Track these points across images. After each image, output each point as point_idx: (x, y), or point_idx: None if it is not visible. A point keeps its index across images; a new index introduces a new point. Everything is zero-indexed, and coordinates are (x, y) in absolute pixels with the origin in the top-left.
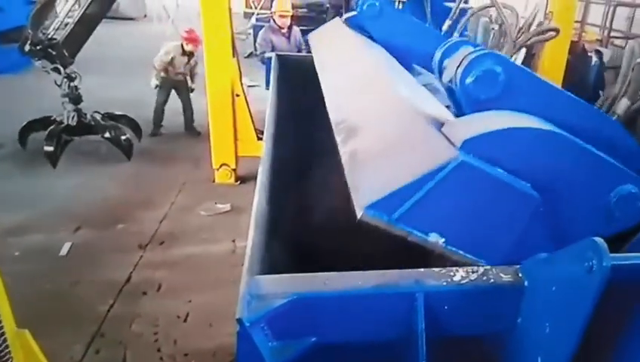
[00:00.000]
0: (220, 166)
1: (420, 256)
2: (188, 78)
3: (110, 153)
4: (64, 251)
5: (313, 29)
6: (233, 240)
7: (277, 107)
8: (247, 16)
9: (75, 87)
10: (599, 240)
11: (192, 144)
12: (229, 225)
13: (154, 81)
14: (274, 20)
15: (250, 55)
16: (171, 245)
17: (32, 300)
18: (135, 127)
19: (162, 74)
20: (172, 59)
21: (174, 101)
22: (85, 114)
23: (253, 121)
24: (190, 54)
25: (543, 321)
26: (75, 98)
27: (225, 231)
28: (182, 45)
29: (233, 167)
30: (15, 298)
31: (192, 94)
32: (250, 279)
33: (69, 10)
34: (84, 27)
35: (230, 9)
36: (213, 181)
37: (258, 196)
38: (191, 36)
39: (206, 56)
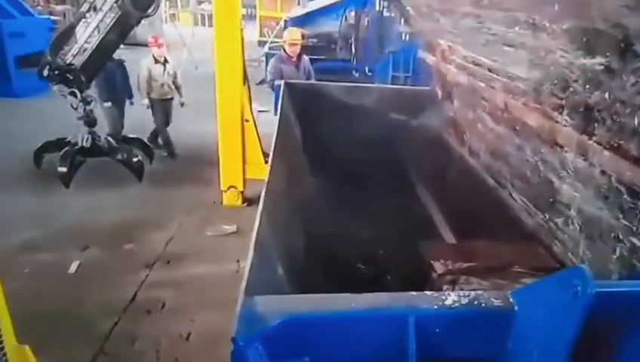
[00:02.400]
0: (228, 188)
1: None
2: (175, 93)
3: (122, 175)
4: (72, 269)
5: (323, 59)
6: (237, 261)
7: (283, 132)
8: (261, 44)
9: (91, 110)
10: (585, 267)
11: (202, 167)
12: (234, 245)
13: (145, 101)
14: (284, 49)
15: (261, 82)
16: (177, 265)
17: (38, 317)
18: (147, 149)
19: (149, 96)
20: (149, 71)
21: (183, 125)
22: (99, 136)
23: (261, 144)
24: (164, 61)
25: (531, 347)
26: (90, 121)
27: (230, 251)
28: (152, 56)
29: (241, 189)
30: (22, 314)
31: (201, 122)
32: (245, 299)
33: (88, 37)
34: (102, 53)
35: (242, 38)
36: (221, 203)
37: (259, 218)
38: (155, 40)
39: (218, 82)
